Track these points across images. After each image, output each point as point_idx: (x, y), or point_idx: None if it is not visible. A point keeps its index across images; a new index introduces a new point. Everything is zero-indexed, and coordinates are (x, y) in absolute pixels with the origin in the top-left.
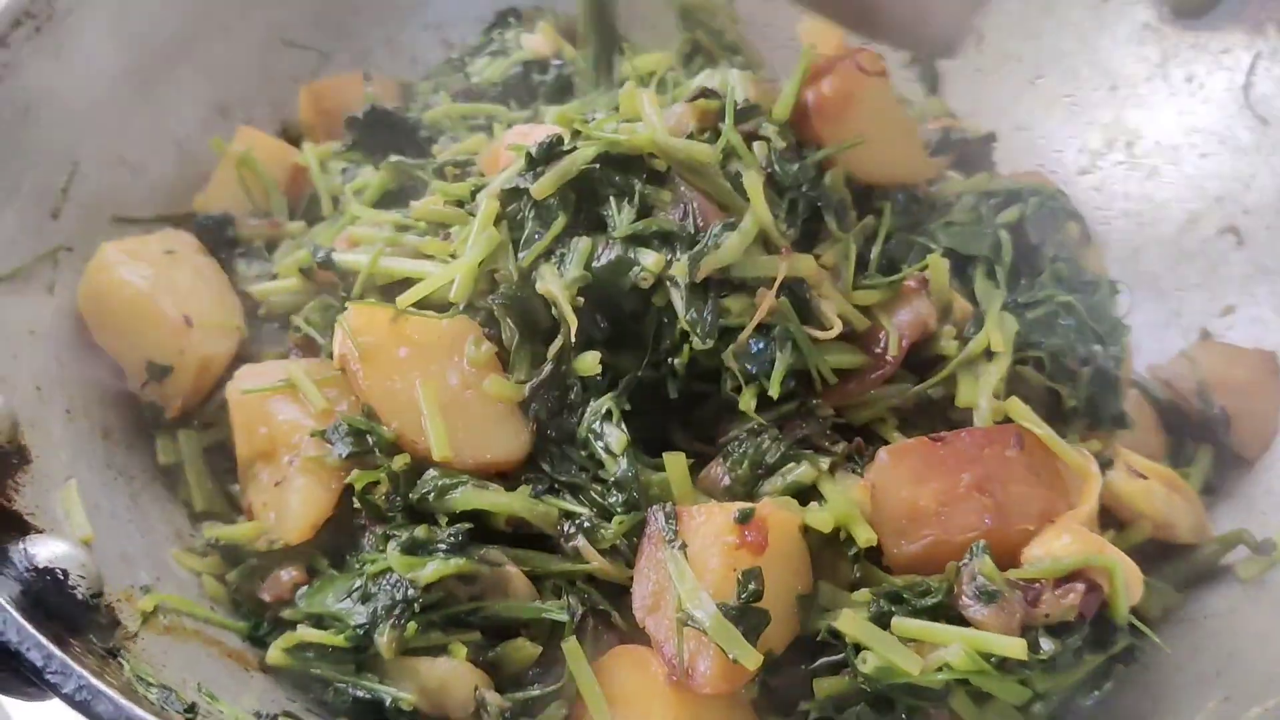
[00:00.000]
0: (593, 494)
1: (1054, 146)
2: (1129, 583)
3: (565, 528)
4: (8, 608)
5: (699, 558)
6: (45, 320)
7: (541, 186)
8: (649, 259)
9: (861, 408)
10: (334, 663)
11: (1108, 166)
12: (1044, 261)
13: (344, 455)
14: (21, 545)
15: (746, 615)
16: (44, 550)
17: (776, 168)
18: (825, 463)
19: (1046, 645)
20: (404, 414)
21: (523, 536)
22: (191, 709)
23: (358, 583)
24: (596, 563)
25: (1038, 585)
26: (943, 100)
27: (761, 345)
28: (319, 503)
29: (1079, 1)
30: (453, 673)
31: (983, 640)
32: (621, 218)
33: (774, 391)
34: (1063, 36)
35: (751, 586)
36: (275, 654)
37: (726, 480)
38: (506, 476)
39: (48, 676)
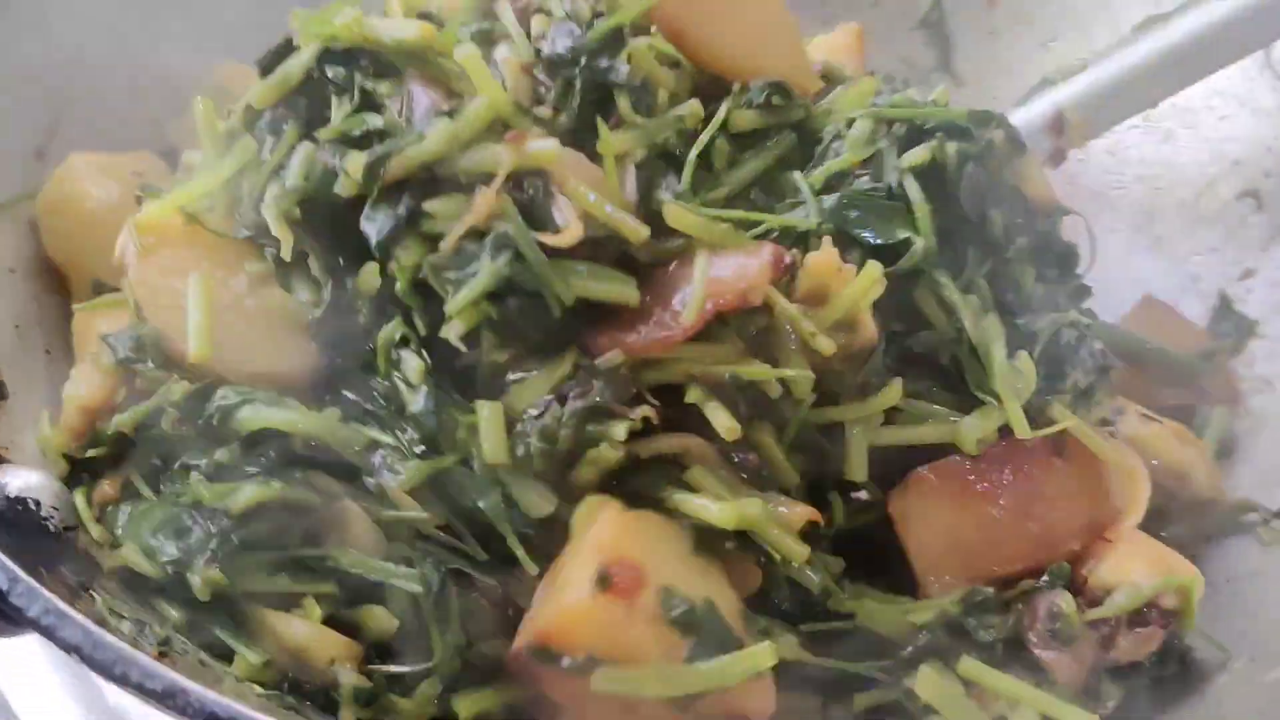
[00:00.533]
0: (395, 431)
1: None
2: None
3: (373, 460)
4: None
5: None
6: (26, 259)
7: (260, 95)
8: (350, 162)
9: (653, 366)
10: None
11: (1122, 130)
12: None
13: (116, 359)
14: None
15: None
16: (16, 480)
17: (554, 43)
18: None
19: (1111, 693)
20: (169, 314)
21: (329, 471)
22: (166, 642)
23: (172, 513)
24: (406, 506)
25: (1111, 623)
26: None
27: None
28: (87, 392)
29: None
30: (313, 638)
31: (1055, 708)
32: (334, 119)
33: (454, 313)
34: None
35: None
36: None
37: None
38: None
39: (12, 599)
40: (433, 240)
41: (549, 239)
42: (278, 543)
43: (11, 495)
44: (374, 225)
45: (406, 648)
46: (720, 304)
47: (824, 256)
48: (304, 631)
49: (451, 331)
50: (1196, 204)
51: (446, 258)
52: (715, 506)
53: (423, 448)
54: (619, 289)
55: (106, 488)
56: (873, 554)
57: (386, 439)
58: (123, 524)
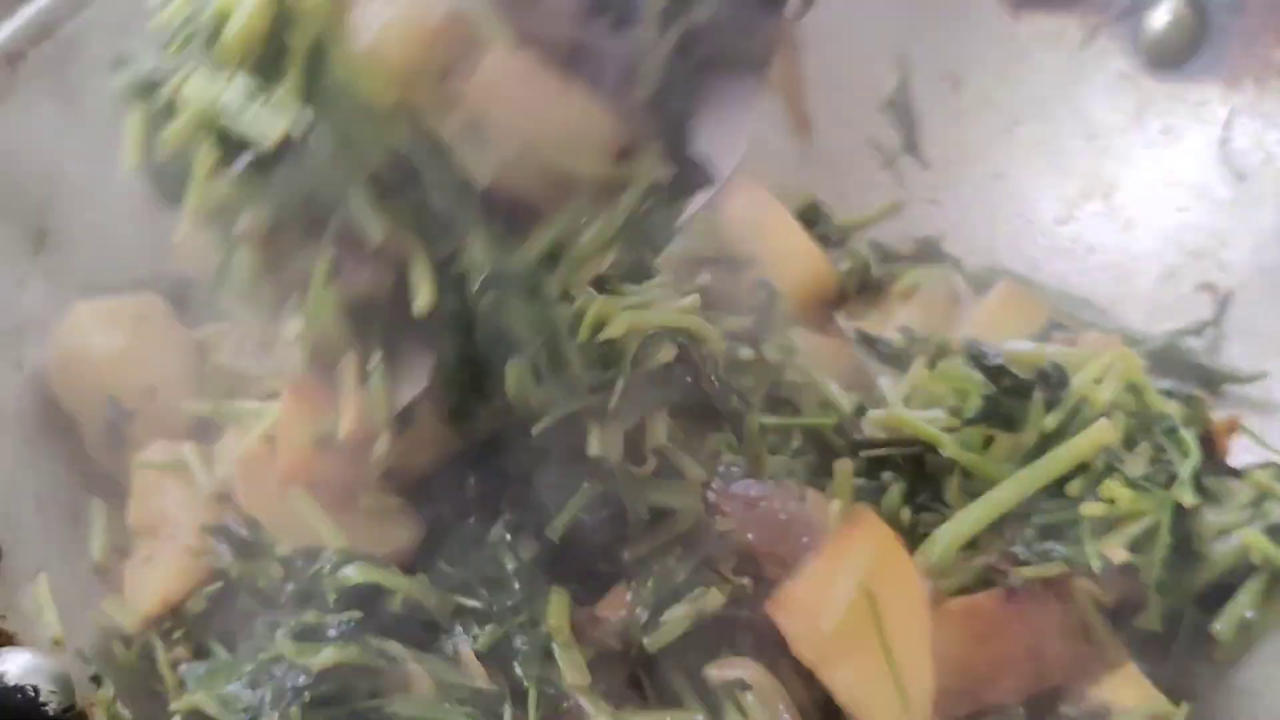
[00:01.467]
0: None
1: (1031, 194)
2: None
3: (457, 626)
4: None
5: None
6: (13, 399)
7: None
8: None
9: None
10: None
11: (1085, 217)
12: None
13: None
14: None
15: None
16: (14, 666)
17: None
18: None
19: None
20: (279, 519)
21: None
22: None
23: (249, 667)
24: (475, 672)
25: None
26: None
27: None
28: (176, 583)
29: (1055, 48)
30: None
31: None
32: None
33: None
34: (1039, 84)
35: None
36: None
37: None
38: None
39: None
40: None
41: None
42: (343, 699)
43: (11, 684)
44: None
45: None
46: None
47: None
48: None
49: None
50: (1156, 294)
51: None
52: None
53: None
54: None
55: (180, 651)
56: None
57: (471, 603)
58: (196, 677)
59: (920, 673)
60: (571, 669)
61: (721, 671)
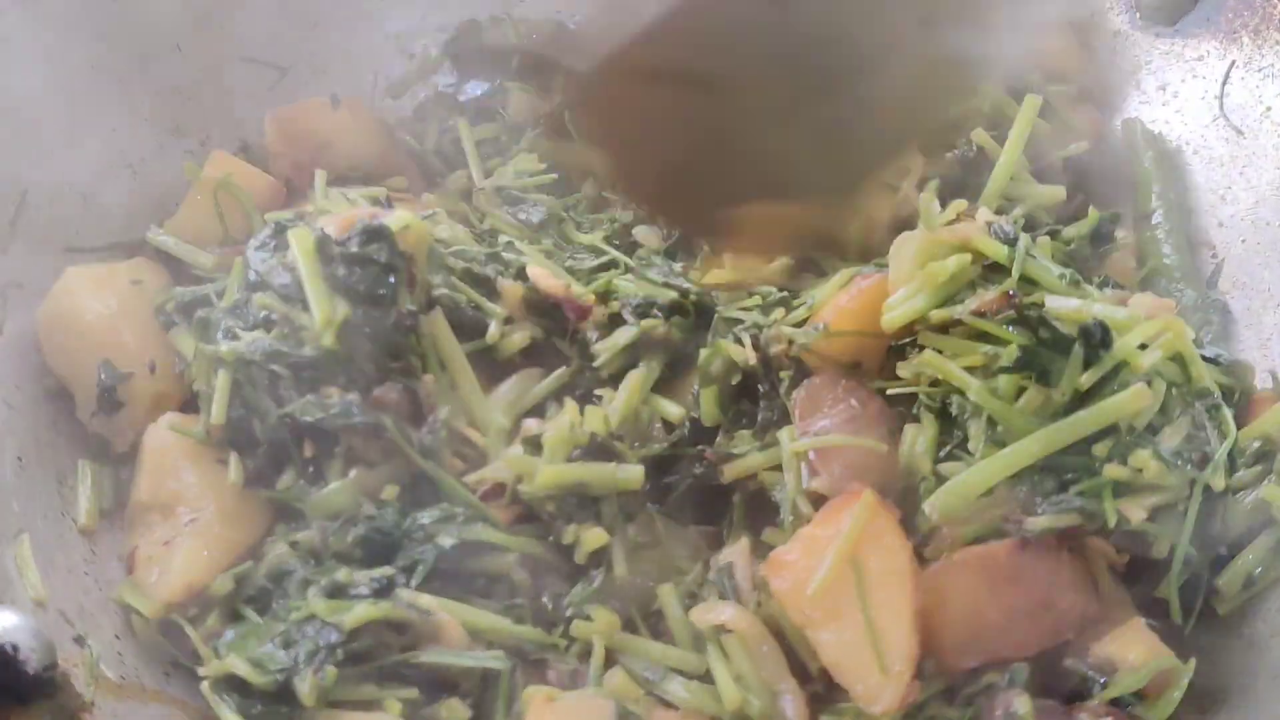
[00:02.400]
0: None
1: None
2: None
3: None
4: None
5: None
6: None
7: None
8: None
9: None
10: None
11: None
12: None
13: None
14: None
15: None
16: None
17: None
18: None
19: None
20: None
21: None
22: None
23: (281, 628)
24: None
25: None
26: None
27: None
28: (200, 569)
29: (1049, 7)
30: None
31: None
32: None
33: None
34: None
35: None
36: (206, 691)
37: None
38: None
39: None
40: None
41: None
42: (375, 654)
43: None
44: None
45: None
46: None
47: None
48: None
49: None
50: None
51: None
52: None
53: None
54: None
55: (212, 623)
56: None
57: None
58: (228, 641)
59: (901, 640)
60: None
61: (705, 615)
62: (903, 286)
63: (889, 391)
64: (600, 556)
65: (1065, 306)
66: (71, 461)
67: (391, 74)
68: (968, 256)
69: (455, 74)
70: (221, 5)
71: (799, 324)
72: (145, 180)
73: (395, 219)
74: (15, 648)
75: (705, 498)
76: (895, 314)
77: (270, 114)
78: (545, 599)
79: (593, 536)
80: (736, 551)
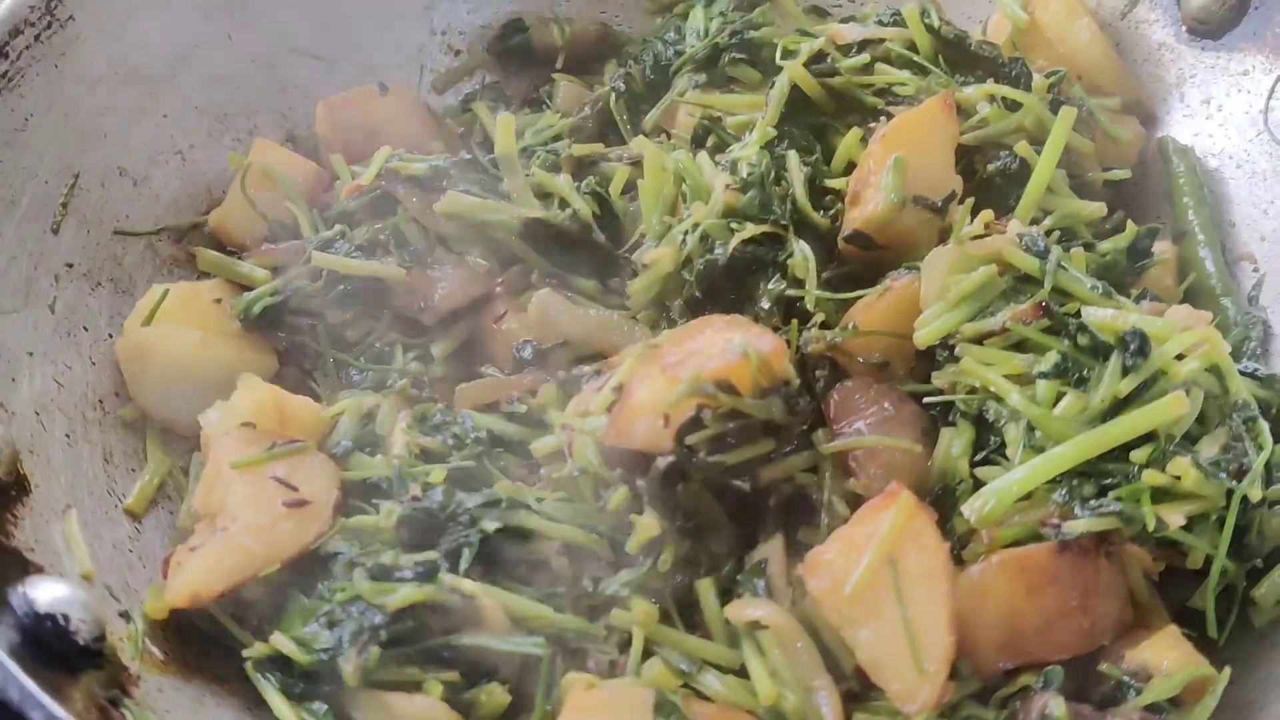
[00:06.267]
0: None
1: None
2: None
3: None
4: (9, 663)
5: None
6: (45, 340)
7: None
8: None
9: None
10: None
11: None
12: None
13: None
14: (21, 589)
15: None
16: (44, 594)
17: None
18: None
19: None
20: None
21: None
22: None
23: (326, 608)
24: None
25: None
26: None
27: None
28: (210, 578)
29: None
30: (428, 713)
31: None
32: None
33: None
34: None
35: None
36: (249, 669)
37: None
38: None
39: None
40: None
41: None
42: (418, 637)
43: (41, 612)
44: None
45: None
46: None
47: None
48: (422, 706)
49: None
50: None
51: None
52: None
53: None
54: None
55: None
56: None
57: None
58: (273, 620)
59: (938, 640)
60: None
61: (741, 611)
62: (935, 303)
63: (925, 399)
64: (650, 547)
65: (1102, 315)
66: (118, 440)
67: (438, 68)
68: (994, 269)
69: (501, 70)
70: None
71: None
72: (194, 167)
73: None
74: (66, 618)
75: (740, 497)
76: (927, 331)
77: (321, 102)
78: (586, 582)
79: (645, 525)
80: (771, 549)
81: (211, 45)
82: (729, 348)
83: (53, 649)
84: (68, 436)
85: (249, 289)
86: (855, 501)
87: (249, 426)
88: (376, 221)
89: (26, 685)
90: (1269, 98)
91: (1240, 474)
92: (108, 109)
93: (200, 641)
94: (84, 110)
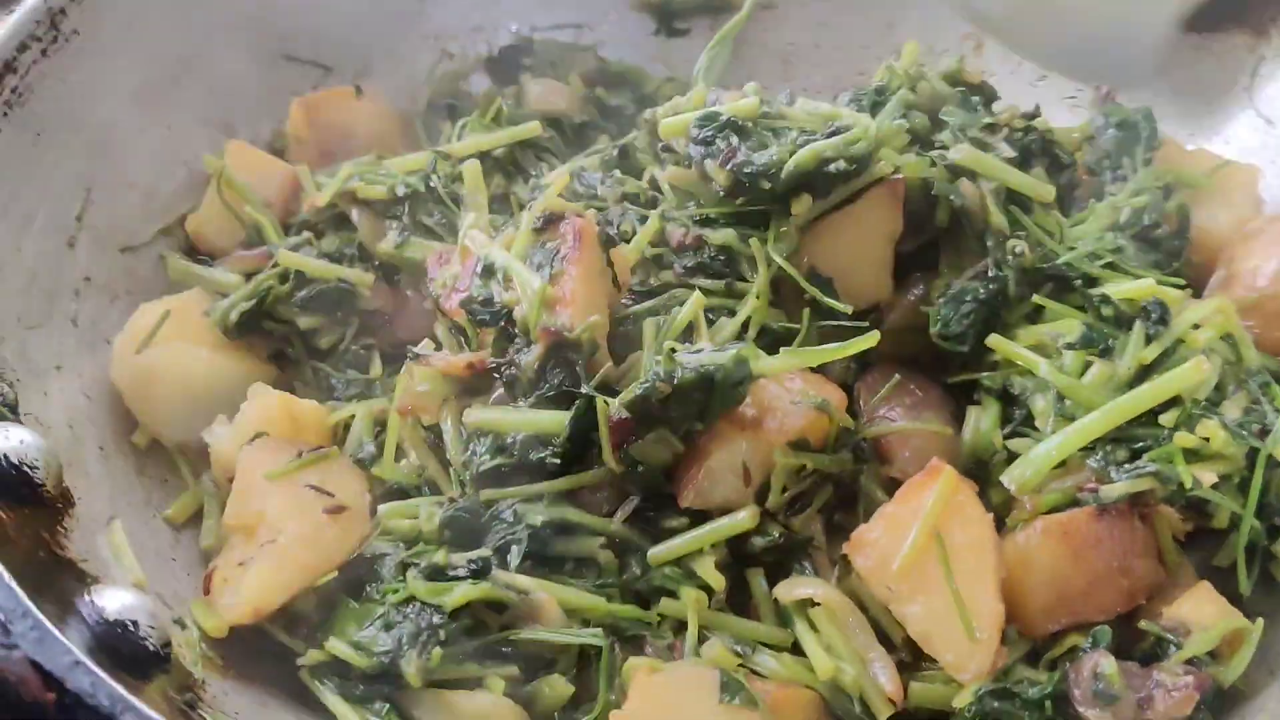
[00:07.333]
0: None
1: None
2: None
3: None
4: (97, 670)
5: None
6: (70, 353)
7: None
8: None
9: None
10: (368, 698)
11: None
12: None
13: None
14: (88, 597)
15: None
16: (111, 602)
17: None
18: None
19: None
20: None
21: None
22: None
23: (380, 611)
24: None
25: (1151, 682)
26: None
27: None
28: (270, 593)
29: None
30: (492, 709)
31: None
32: None
33: None
34: None
35: None
36: (304, 676)
37: None
38: None
39: None
40: None
41: None
42: (475, 634)
43: (111, 619)
44: None
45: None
46: None
47: None
48: (485, 703)
49: None
50: None
51: None
52: None
53: None
54: None
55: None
56: None
57: None
58: (324, 626)
59: (987, 607)
60: None
61: (791, 590)
62: None
63: (949, 380)
64: None
65: (1125, 286)
66: (148, 452)
67: (432, 74)
68: None
69: (489, 79)
70: (269, 5)
71: None
72: (200, 178)
73: None
74: (135, 624)
75: None
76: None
77: (296, 100)
78: (635, 568)
79: None
80: (811, 529)
81: (213, 55)
82: (801, 402)
83: (124, 655)
84: (101, 449)
85: None
86: (889, 485)
87: (263, 435)
88: (342, 232)
89: (116, 690)
90: (1252, 75)
91: (1263, 434)
92: (115, 122)
93: (249, 649)
94: (92, 124)
